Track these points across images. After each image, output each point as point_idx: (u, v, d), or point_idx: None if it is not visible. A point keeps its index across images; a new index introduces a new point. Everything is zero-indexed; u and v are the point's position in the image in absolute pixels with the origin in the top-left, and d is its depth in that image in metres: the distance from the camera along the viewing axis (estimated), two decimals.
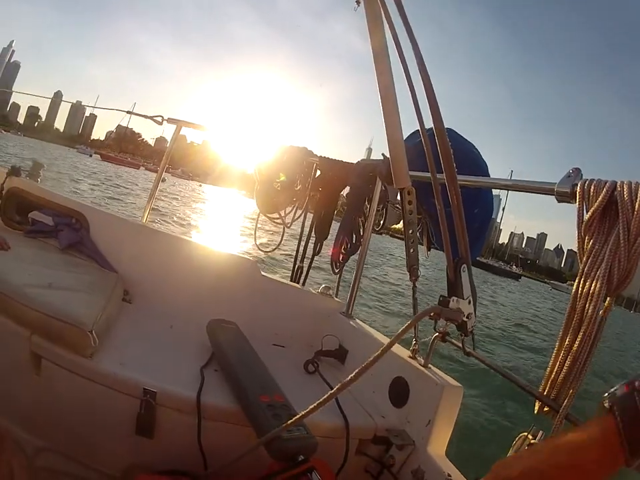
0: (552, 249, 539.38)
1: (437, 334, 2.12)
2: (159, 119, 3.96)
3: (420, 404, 2.20)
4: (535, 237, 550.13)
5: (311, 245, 3.82)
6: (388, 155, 2.16)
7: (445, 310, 1.68)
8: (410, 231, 2.26)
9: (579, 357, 1.57)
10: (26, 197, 3.39)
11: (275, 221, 3.83)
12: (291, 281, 3.79)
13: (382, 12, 1.72)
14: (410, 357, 2.35)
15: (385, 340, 2.63)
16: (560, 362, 1.62)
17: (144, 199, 22.95)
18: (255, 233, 3.99)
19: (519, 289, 59.32)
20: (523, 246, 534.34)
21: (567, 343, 1.61)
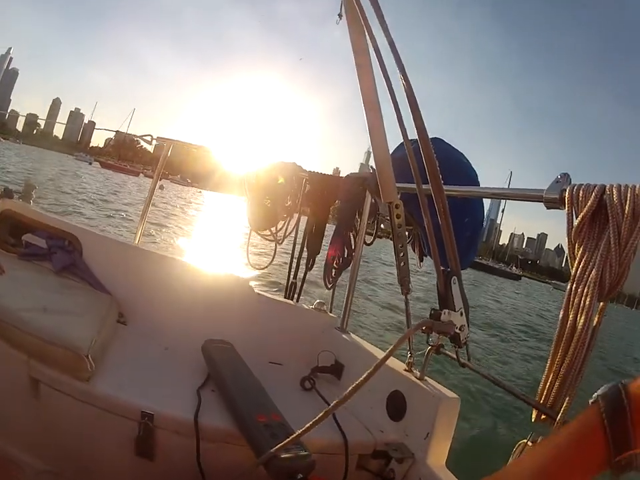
0: (553, 249, 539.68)
1: (431, 346, 2.13)
2: (148, 138, 3.98)
3: (418, 417, 2.20)
4: (535, 237, 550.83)
5: (302, 259, 3.83)
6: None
7: (437, 323, 1.70)
8: (400, 245, 2.26)
9: (573, 364, 1.56)
10: (19, 219, 3.37)
11: (267, 237, 3.84)
12: (285, 297, 3.78)
13: (363, 24, 1.73)
14: (406, 370, 2.36)
15: (381, 354, 2.57)
16: (555, 370, 1.61)
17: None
18: (247, 251, 4.00)
19: (519, 290, 59.24)
20: (524, 246, 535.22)
21: (560, 350, 1.60)
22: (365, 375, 1.43)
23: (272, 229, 3.82)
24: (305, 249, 3.71)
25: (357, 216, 3.17)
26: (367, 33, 1.74)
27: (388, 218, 2.43)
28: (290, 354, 2.97)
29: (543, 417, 1.65)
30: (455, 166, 2.87)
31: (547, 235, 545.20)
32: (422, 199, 1.76)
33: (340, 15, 2.10)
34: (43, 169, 43.64)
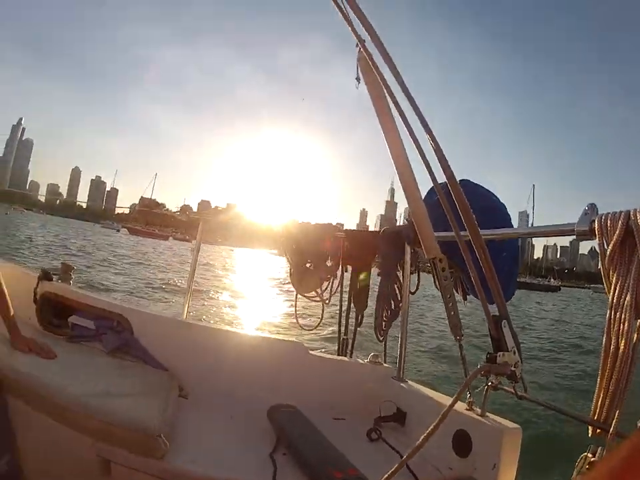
0: (587, 253, 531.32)
1: (489, 385, 2.18)
2: (184, 218, 4.11)
3: (484, 450, 2.26)
4: (568, 245, 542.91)
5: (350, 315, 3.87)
6: (411, 218, 2.29)
7: (494, 366, 1.80)
8: (448, 295, 2.33)
9: (619, 382, 1.63)
10: (61, 301, 3.46)
11: (313, 299, 3.91)
12: (338, 354, 3.84)
13: (382, 85, 1.85)
14: (467, 409, 2.42)
15: (439, 397, 2.73)
16: (604, 388, 1.68)
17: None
18: (296, 313, 4.04)
19: (559, 302, 58.14)
20: (558, 256, 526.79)
21: (607, 370, 1.67)
22: (435, 423, 1.55)
23: (317, 289, 3.88)
24: (353, 305, 3.77)
25: (398, 268, 3.26)
26: (386, 93, 1.86)
27: (428, 265, 2.53)
28: (352, 408, 3.00)
29: (598, 431, 1.72)
30: (487, 208, 2.95)
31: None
32: (463, 248, 1.85)
33: (357, 79, 2.23)
34: (74, 240, 43.92)
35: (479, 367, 1.78)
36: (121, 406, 2.30)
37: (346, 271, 3.78)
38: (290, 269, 3.91)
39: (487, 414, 2.36)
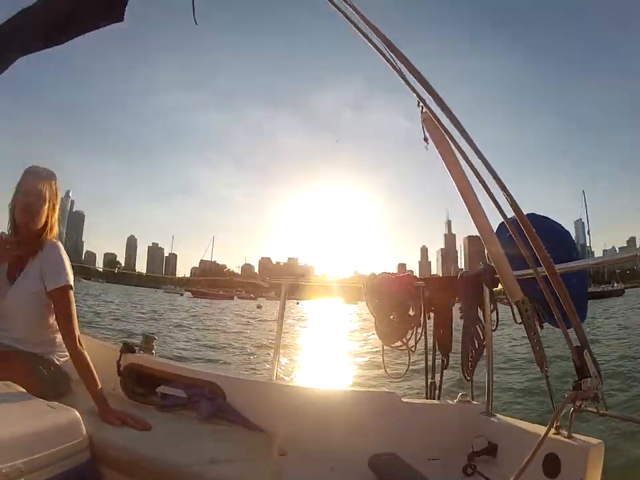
0: None
1: (575, 408, 2.26)
2: (265, 284, 4.35)
3: (571, 469, 2.33)
4: (626, 245, 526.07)
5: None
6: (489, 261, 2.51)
7: (579, 393, 1.98)
8: (532, 333, 2.52)
9: None
10: (146, 372, 3.67)
11: (400, 348, 4.02)
12: (427, 397, 3.93)
13: (449, 141, 2.09)
14: (555, 433, 2.47)
15: (527, 425, 2.85)
16: None
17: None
18: (384, 364, 4.15)
19: (624, 305, 55.60)
20: None
21: None
22: (532, 451, 1.71)
23: (403, 339, 3.99)
24: (438, 349, 3.89)
25: (478, 308, 3.43)
26: (452, 146, 2.10)
27: (505, 301, 2.74)
28: (446, 447, 3.09)
29: None
30: (556, 241, 3.12)
31: (634, 237, 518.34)
32: (543, 286, 2.02)
33: (425, 139, 2.49)
34: (141, 306, 44.60)
35: (566, 396, 1.97)
36: (231, 472, 2.48)
37: (429, 318, 3.90)
38: (375, 322, 4.03)
39: (573, 435, 2.44)
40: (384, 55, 2.06)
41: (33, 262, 3.31)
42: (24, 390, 2.49)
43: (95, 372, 3.09)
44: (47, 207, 3.30)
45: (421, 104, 2.35)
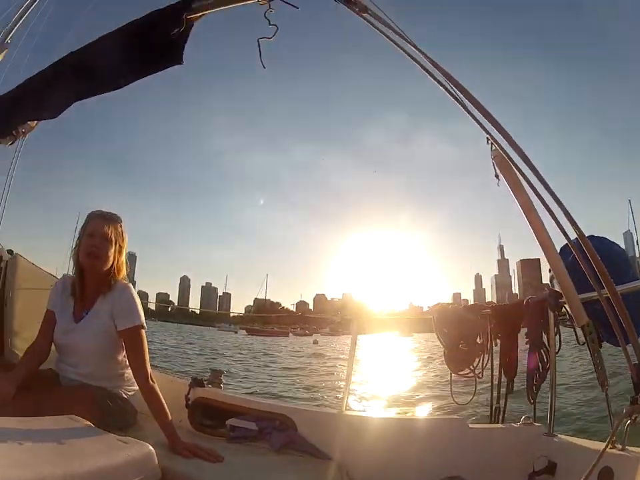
0: None
1: (629, 421, 2.35)
2: (337, 319, 4.49)
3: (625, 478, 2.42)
4: None
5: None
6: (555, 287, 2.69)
7: (637, 407, 2.15)
8: (595, 354, 2.65)
9: None
10: (215, 405, 3.83)
11: (467, 376, 4.11)
12: (491, 421, 4.00)
13: (518, 175, 2.28)
14: (610, 447, 2.52)
15: (585, 442, 2.98)
16: None
17: None
18: (451, 391, 4.21)
19: None
20: None
21: None
22: (590, 468, 1.86)
23: (470, 366, 4.08)
24: (503, 375, 3.98)
25: (543, 333, 3.53)
26: (521, 179, 2.30)
27: (568, 323, 2.90)
28: (510, 468, 3.17)
29: None
30: (616, 263, 3.23)
31: None
32: (606, 308, 2.19)
33: (497, 176, 2.69)
34: (198, 343, 44.79)
35: (624, 411, 2.12)
36: None
37: (495, 345, 4.01)
38: (444, 351, 4.14)
39: (627, 447, 2.52)
40: (450, 92, 2.26)
41: (103, 302, 3.39)
42: (90, 423, 2.55)
43: (165, 405, 3.18)
44: (113, 249, 3.40)
45: (490, 140, 2.55)
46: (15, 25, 4.68)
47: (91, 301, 3.42)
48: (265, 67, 2.72)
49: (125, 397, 3.44)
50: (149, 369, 3.31)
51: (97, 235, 3.36)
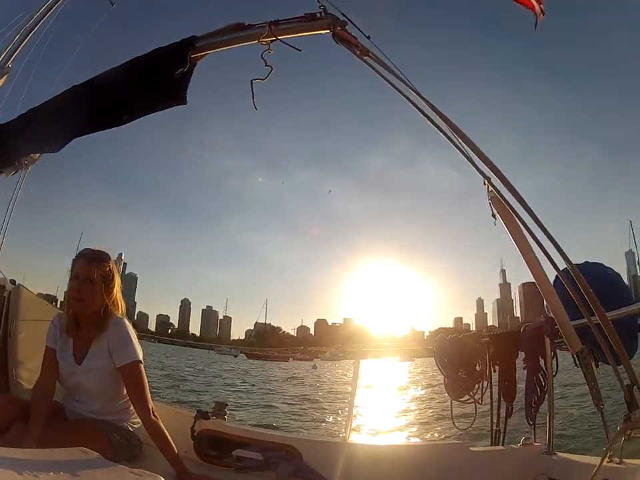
0: None
1: (624, 436, 2.49)
2: (339, 352, 4.59)
3: None
4: None
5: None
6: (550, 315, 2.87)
7: (629, 424, 2.33)
8: (590, 377, 2.82)
9: None
10: (220, 436, 3.92)
11: (467, 402, 4.28)
12: (492, 443, 4.15)
13: (513, 215, 2.45)
14: (608, 461, 2.67)
15: (583, 458, 3.14)
16: None
17: None
18: (452, 417, 4.39)
19: None
20: None
21: None
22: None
23: (470, 392, 4.26)
24: (503, 399, 4.15)
25: (540, 357, 3.71)
26: (515, 217, 2.48)
27: (565, 348, 3.06)
28: None
29: None
30: (608, 288, 3.43)
31: None
32: (596, 333, 2.37)
33: (494, 216, 2.86)
34: (200, 369, 44.48)
35: (618, 429, 2.31)
36: None
37: (494, 371, 4.16)
38: (444, 380, 4.31)
39: (624, 460, 2.68)
40: (447, 136, 2.43)
41: (100, 340, 3.44)
42: (100, 456, 2.54)
43: (170, 439, 3.24)
44: (99, 290, 3.43)
45: (487, 183, 2.72)
46: (17, 49, 4.76)
47: (88, 340, 3.50)
48: (256, 109, 2.91)
49: (131, 429, 3.54)
50: (151, 404, 3.39)
51: (81, 277, 3.42)
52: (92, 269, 3.43)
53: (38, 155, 4.00)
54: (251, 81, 2.84)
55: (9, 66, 4.68)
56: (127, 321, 3.59)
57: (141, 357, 3.48)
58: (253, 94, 2.88)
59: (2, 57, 4.67)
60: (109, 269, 3.54)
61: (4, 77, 4.59)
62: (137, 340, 3.57)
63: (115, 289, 3.58)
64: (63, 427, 3.22)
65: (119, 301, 3.60)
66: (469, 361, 4.21)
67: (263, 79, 2.80)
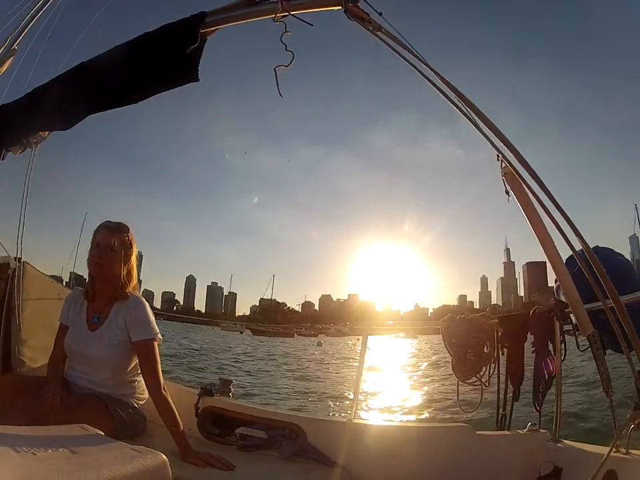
0: None
1: (633, 426, 2.52)
2: (347, 329, 4.51)
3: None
4: None
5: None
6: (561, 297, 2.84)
7: (639, 412, 2.28)
8: (600, 362, 2.78)
9: None
10: (225, 414, 3.93)
11: (474, 384, 4.22)
12: (497, 428, 4.10)
13: (527, 191, 2.43)
14: (615, 451, 2.65)
15: (589, 447, 3.10)
16: None
17: None
18: (458, 399, 4.30)
19: None
20: None
21: None
22: (594, 473, 1.96)
23: (477, 375, 4.19)
24: (510, 383, 4.11)
25: (549, 342, 3.69)
26: (530, 195, 2.45)
27: (572, 333, 3.04)
28: (516, 474, 3.32)
29: None
30: (620, 274, 3.32)
31: None
32: (610, 318, 2.34)
33: (507, 192, 2.83)
34: (202, 344, 44.66)
35: (628, 416, 2.26)
36: None
37: (502, 354, 4.12)
38: (452, 361, 4.26)
39: (630, 451, 2.66)
40: (461, 110, 2.39)
41: (117, 312, 3.55)
42: (100, 432, 2.53)
43: (177, 415, 3.30)
44: (118, 258, 3.57)
45: (501, 158, 2.69)
46: (23, 31, 4.71)
47: (104, 308, 3.60)
48: (282, 96, 2.85)
49: (136, 405, 3.58)
50: (162, 380, 3.43)
51: (102, 245, 3.56)
52: (112, 238, 3.57)
53: (47, 133, 3.98)
54: (275, 68, 2.80)
55: (14, 48, 4.63)
56: (146, 302, 3.70)
57: (159, 335, 3.58)
58: (277, 81, 2.84)
59: (8, 39, 4.61)
60: (128, 238, 3.69)
61: (10, 60, 4.54)
62: (154, 319, 3.66)
63: (132, 258, 3.72)
64: (65, 402, 3.18)
65: (133, 271, 3.72)
66: (477, 343, 4.16)
67: (286, 66, 2.76)
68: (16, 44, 4.58)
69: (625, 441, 2.64)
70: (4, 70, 4.41)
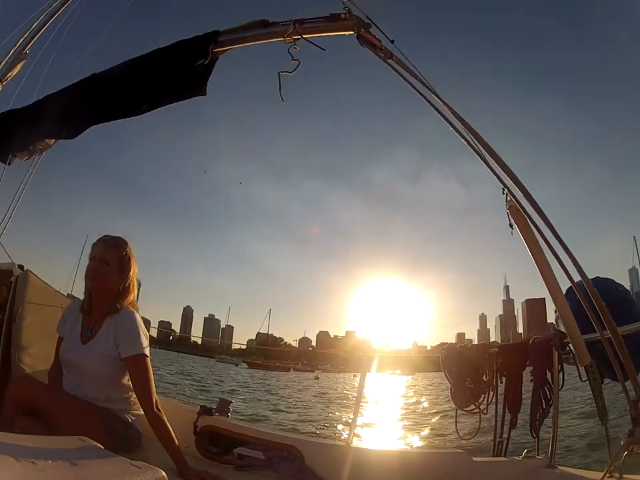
0: None
1: (626, 452, 2.54)
2: (346, 356, 4.58)
3: None
4: None
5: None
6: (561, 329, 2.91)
7: (633, 439, 2.37)
8: (597, 392, 2.85)
9: None
10: (223, 433, 3.97)
11: (473, 412, 4.32)
12: (494, 455, 4.15)
13: (531, 226, 2.50)
14: (608, 476, 2.74)
15: (584, 473, 3.16)
16: None
17: None
18: (456, 426, 4.39)
19: None
20: None
21: None
22: None
23: (476, 402, 4.29)
24: (508, 410, 4.17)
25: (547, 371, 3.73)
26: (532, 228, 2.51)
27: (572, 361, 3.10)
28: None
29: None
30: (622, 307, 3.47)
31: None
32: (607, 347, 2.41)
33: (511, 225, 2.90)
34: (201, 374, 44.48)
35: (622, 443, 2.32)
36: None
37: (501, 382, 4.19)
38: (451, 388, 4.35)
39: (624, 476, 2.71)
40: (470, 144, 2.47)
41: (109, 325, 3.53)
42: (100, 445, 2.51)
43: (172, 433, 3.27)
44: (113, 272, 3.55)
45: (506, 192, 2.77)
46: (35, 35, 4.77)
47: (97, 322, 3.59)
48: (283, 100, 2.97)
49: (130, 420, 3.57)
50: (155, 397, 3.42)
51: (98, 259, 3.55)
52: (108, 253, 3.57)
53: (53, 140, 4.06)
54: (279, 73, 2.90)
55: (26, 52, 4.70)
56: (138, 315, 3.68)
57: (147, 351, 3.53)
58: (280, 85, 2.94)
59: (19, 43, 4.69)
60: (125, 253, 3.66)
61: (21, 64, 4.61)
62: (146, 334, 3.64)
63: (131, 273, 3.70)
64: (63, 411, 3.24)
65: (131, 287, 3.70)
66: (477, 371, 4.24)
67: (290, 72, 2.86)
68: (27, 48, 4.66)
69: (619, 466, 2.69)
70: (15, 74, 4.49)
